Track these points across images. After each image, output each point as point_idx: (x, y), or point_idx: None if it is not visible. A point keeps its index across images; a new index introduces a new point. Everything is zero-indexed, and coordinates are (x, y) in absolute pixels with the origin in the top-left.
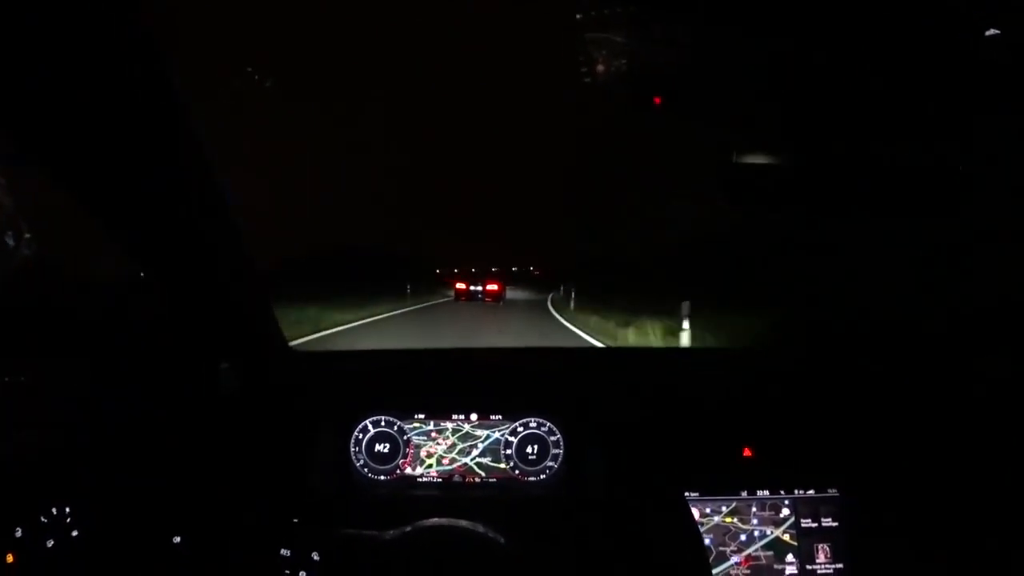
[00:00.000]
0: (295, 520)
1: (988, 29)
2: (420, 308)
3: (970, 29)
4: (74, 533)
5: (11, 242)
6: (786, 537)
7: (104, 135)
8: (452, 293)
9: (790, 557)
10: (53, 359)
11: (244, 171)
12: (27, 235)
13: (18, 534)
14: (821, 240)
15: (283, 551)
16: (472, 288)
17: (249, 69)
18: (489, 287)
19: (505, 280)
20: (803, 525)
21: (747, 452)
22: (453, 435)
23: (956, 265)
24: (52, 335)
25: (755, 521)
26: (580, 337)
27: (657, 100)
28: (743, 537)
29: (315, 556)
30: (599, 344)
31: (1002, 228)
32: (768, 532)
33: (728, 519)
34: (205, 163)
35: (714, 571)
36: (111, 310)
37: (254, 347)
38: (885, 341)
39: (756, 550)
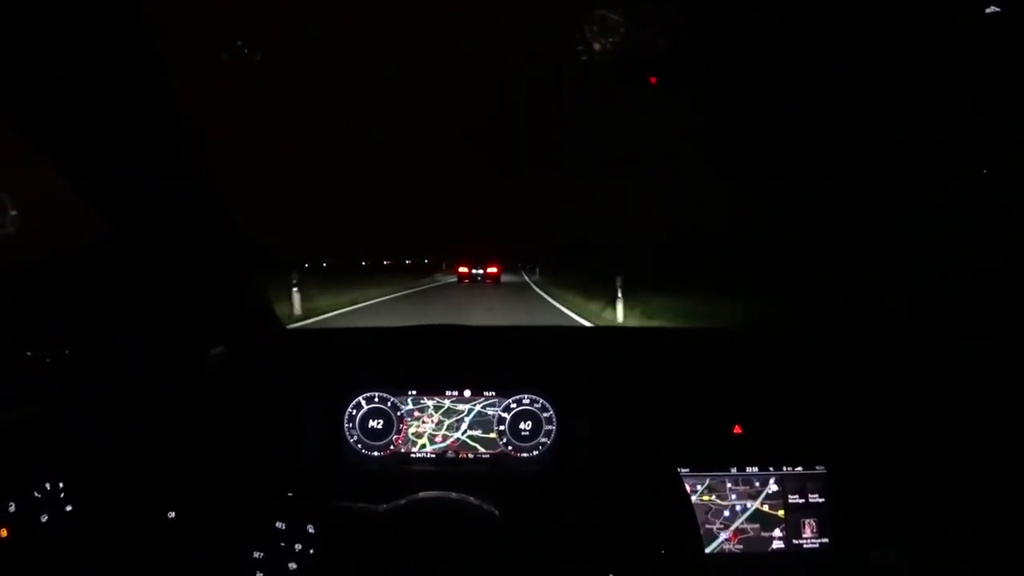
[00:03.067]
0: (290, 494)
1: (988, 7)
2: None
3: (969, 8)
4: (68, 508)
5: None
6: (765, 508)
7: (92, 116)
8: (455, 276)
9: (777, 531)
10: (46, 336)
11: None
12: (13, 212)
13: (11, 509)
14: (809, 220)
15: (278, 523)
16: (474, 271)
17: (239, 42)
18: (489, 270)
19: (503, 264)
20: (790, 501)
21: (737, 429)
22: (438, 411)
23: (944, 247)
24: (41, 313)
25: (733, 496)
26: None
27: (653, 80)
28: (726, 513)
29: (310, 528)
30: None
31: (991, 211)
32: (748, 506)
33: (706, 497)
34: (192, 139)
35: (708, 549)
36: (102, 288)
37: (247, 326)
38: (874, 321)
39: (742, 523)
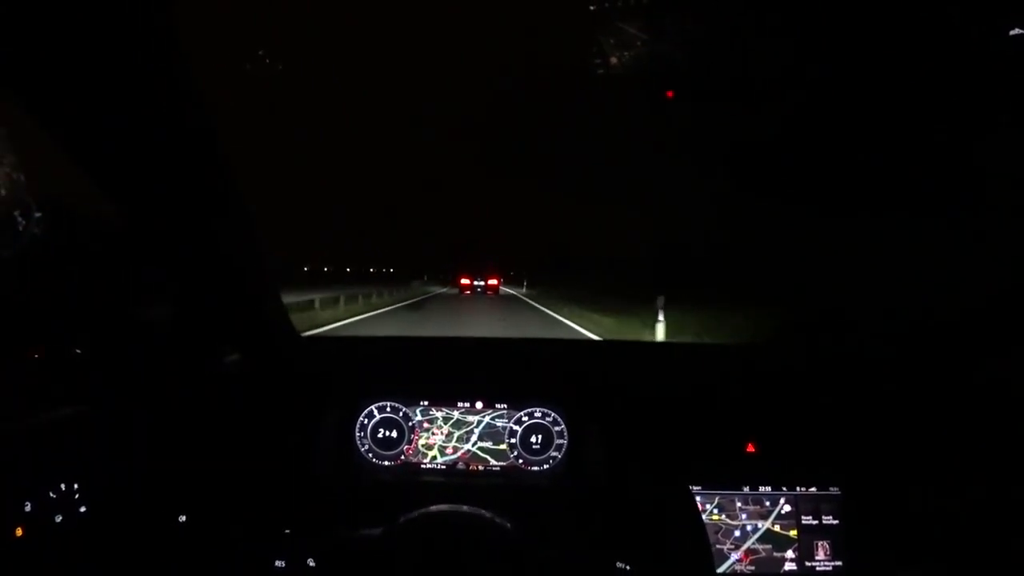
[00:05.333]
0: (287, 531)
1: (1013, 28)
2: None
3: (991, 28)
4: (82, 509)
5: (21, 220)
6: (777, 528)
7: (123, 119)
8: (457, 288)
9: (790, 553)
10: (61, 339)
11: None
12: (38, 214)
13: (27, 508)
14: (824, 234)
15: (277, 562)
16: (475, 283)
17: (260, 52)
18: (490, 282)
19: (502, 276)
20: (803, 521)
21: (750, 448)
22: (447, 423)
23: (963, 264)
24: (59, 317)
25: (744, 516)
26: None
27: (670, 94)
28: (737, 533)
29: (311, 562)
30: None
31: (1012, 227)
32: (759, 526)
33: (716, 517)
34: (219, 149)
35: (720, 569)
36: (121, 291)
37: (263, 333)
38: (890, 341)
39: (753, 543)
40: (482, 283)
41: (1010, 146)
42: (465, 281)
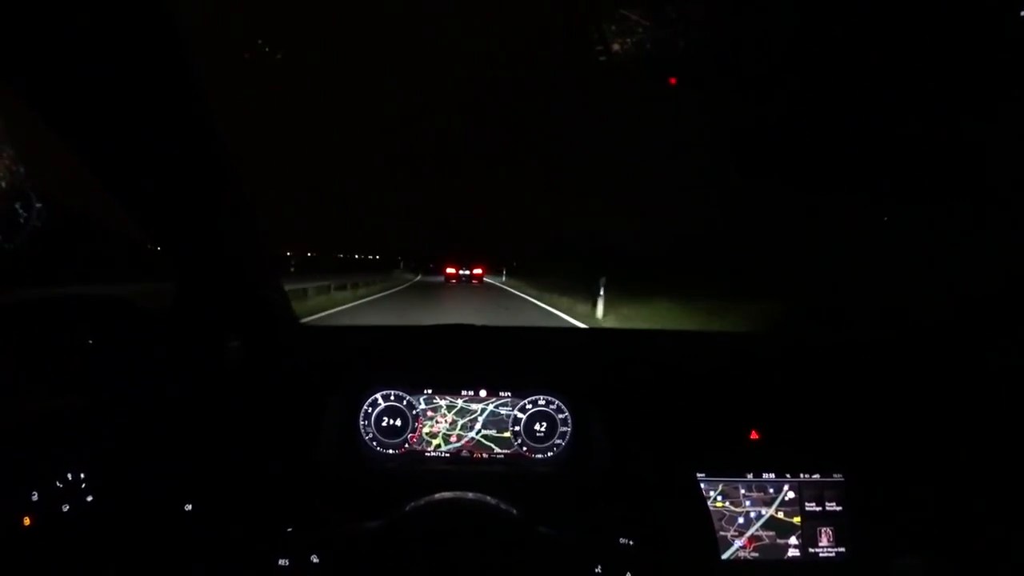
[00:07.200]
0: (289, 529)
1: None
2: None
3: (1000, 11)
4: (88, 498)
5: (22, 212)
6: (780, 515)
7: (122, 109)
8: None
9: (793, 539)
10: (68, 328)
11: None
12: (38, 205)
13: (34, 498)
14: (825, 221)
15: (280, 561)
16: (461, 272)
17: (260, 41)
18: (475, 271)
19: (488, 265)
20: (807, 508)
21: (753, 435)
22: (451, 411)
23: (966, 255)
24: (62, 307)
25: (747, 503)
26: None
27: (673, 80)
28: (740, 520)
29: (314, 559)
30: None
31: (1017, 213)
32: (763, 512)
33: (719, 504)
34: (218, 138)
35: (724, 556)
36: (123, 282)
37: (265, 322)
38: (896, 327)
39: (757, 530)
40: (467, 272)
41: (1015, 137)
42: (451, 270)
